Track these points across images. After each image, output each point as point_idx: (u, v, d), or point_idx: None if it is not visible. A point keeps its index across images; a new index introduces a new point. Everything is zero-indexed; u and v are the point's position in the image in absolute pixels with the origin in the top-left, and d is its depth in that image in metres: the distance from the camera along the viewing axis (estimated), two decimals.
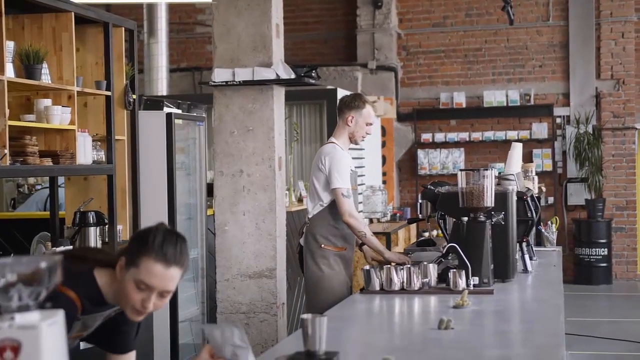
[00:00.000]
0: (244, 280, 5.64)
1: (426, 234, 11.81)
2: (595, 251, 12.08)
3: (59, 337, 1.81)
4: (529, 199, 5.06)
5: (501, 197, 4.52)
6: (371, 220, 10.20)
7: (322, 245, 5.15)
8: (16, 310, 1.79)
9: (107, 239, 5.70)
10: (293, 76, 6.05)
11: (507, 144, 12.44)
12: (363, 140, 5.38)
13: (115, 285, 2.61)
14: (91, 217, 5.52)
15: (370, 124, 5.31)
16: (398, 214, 11.06)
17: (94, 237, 5.56)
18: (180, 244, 2.57)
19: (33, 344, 1.75)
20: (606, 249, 12.11)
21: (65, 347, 1.84)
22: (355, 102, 5.30)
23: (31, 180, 8.51)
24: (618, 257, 12.41)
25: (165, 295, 2.56)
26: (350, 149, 5.34)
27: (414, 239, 10.52)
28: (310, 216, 5.26)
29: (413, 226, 11.11)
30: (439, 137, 12.76)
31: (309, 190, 5.33)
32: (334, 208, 5.13)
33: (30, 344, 1.75)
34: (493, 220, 4.42)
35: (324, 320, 2.72)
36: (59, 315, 1.82)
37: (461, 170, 4.47)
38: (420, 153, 12.78)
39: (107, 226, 5.67)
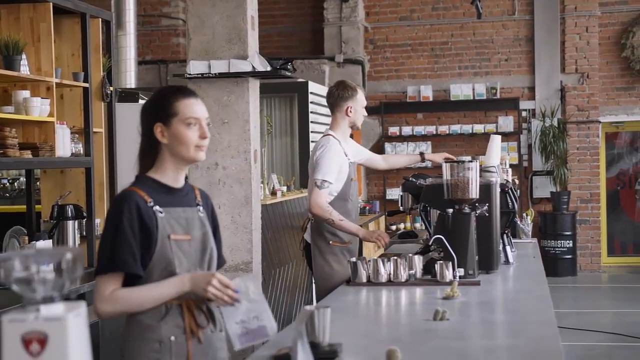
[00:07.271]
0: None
1: (401, 226, 11.89)
2: (561, 243, 12.22)
3: (83, 328, 1.79)
4: (509, 190, 5.10)
5: (485, 189, 4.54)
6: None
7: (331, 242, 5.11)
8: (41, 301, 1.78)
9: (84, 233, 5.64)
10: (269, 68, 6.03)
11: (473, 137, 12.55)
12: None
13: (165, 160, 2.86)
14: (69, 211, 5.43)
15: (365, 105, 5.45)
16: (367, 207, 11.09)
17: (72, 231, 5.48)
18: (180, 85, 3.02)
19: (59, 336, 1.73)
20: (571, 241, 12.26)
21: (88, 338, 1.82)
22: (348, 91, 5.32)
23: (13, 172, 8.35)
24: (582, 249, 12.56)
25: (207, 122, 2.88)
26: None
27: None
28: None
29: (382, 219, 11.16)
30: (406, 130, 12.79)
31: (310, 186, 5.22)
32: (338, 201, 5.09)
33: (56, 335, 1.73)
34: (477, 211, 4.44)
35: (327, 311, 2.72)
36: (83, 307, 1.80)
37: (446, 161, 4.48)
38: (388, 146, 12.81)
39: (85, 220, 5.60)
